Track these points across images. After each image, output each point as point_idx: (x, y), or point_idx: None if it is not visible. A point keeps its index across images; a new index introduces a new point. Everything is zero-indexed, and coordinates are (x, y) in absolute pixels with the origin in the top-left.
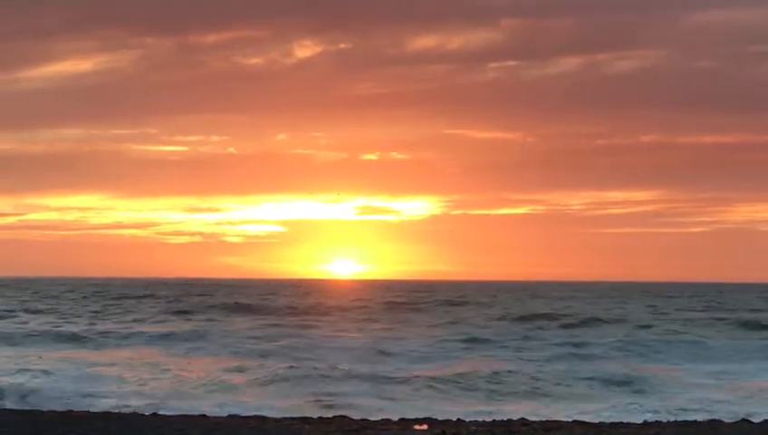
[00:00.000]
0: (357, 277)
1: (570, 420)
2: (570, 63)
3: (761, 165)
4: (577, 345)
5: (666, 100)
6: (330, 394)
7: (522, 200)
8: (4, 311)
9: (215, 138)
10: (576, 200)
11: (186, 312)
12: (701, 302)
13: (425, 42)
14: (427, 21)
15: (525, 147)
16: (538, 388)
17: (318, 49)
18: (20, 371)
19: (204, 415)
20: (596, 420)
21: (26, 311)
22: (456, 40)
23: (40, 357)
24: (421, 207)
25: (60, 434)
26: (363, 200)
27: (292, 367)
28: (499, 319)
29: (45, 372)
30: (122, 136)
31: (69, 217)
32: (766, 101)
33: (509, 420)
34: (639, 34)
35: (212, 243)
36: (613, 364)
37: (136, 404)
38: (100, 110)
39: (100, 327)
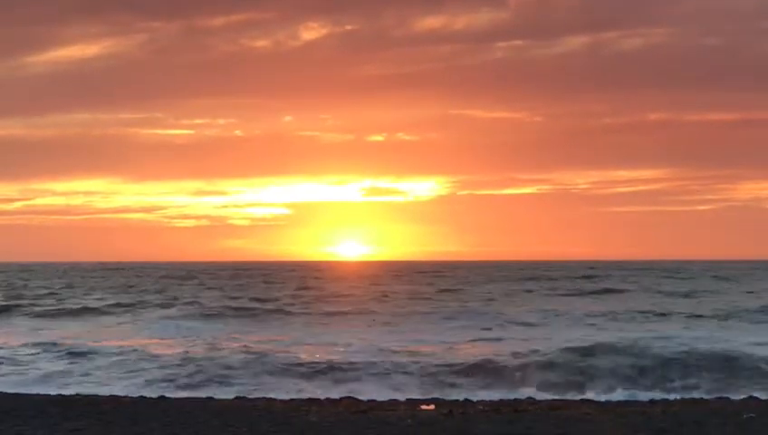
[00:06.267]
0: (364, 259)
1: (577, 399)
2: (576, 42)
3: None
4: None
5: (672, 77)
6: None
7: (529, 180)
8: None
9: (221, 121)
10: (583, 179)
11: None
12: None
13: (431, 22)
14: (433, 1)
15: (532, 126)
16: None
17: (324, 31)
18: None
19: (211, 398)
20: (603, 399)
21: None
22: (462, 20)
23: None
24: (428, 187)
25: (67, 417)
26: (370, 182)
27: None
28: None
29: None
30: (129, 120)
31: (75, 201)
32: None
33: (516, 400)
34: (646, 12)
35: (218, 226)
36: None
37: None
38: (106, 94)
39: None
